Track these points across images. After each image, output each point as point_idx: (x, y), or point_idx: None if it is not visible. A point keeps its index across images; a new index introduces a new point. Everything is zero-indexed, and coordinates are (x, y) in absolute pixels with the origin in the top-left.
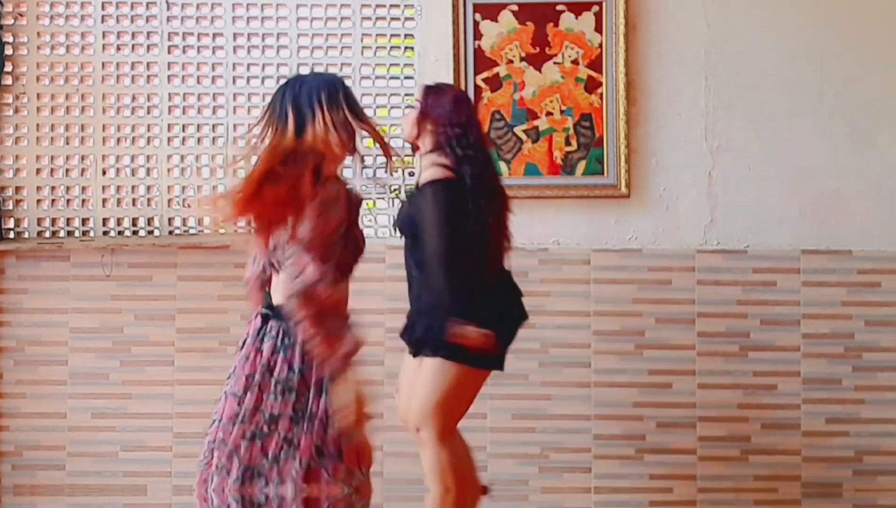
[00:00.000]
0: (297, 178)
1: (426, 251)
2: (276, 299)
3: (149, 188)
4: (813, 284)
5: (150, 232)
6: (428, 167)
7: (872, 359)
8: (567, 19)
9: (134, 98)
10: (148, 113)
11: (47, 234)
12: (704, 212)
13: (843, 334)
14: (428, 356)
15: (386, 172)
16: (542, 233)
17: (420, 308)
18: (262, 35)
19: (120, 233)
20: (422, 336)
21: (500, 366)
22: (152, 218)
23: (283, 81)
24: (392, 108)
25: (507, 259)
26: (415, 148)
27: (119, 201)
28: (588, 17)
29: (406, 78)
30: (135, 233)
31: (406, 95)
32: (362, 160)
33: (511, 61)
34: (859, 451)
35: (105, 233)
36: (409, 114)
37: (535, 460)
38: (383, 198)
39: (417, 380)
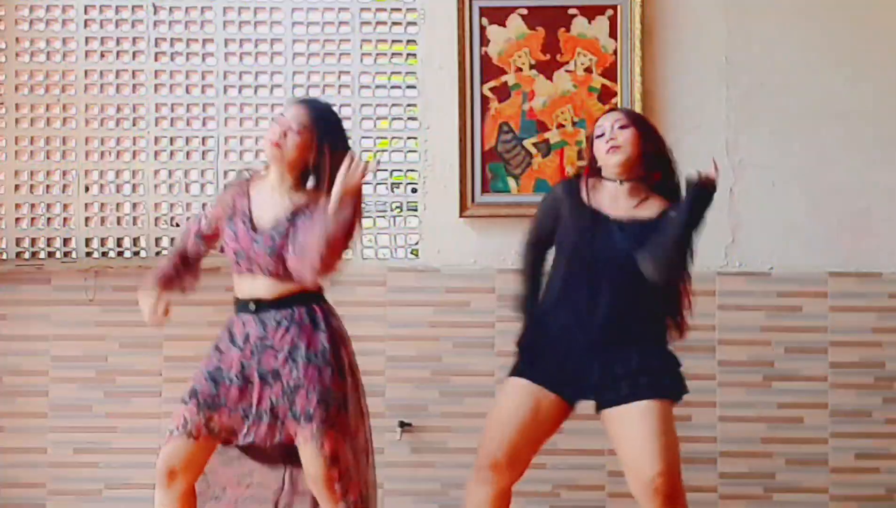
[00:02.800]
0: None
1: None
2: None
3: (135, 206)
4: (841, 309)
5: (137, 253)
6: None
7: None
8: (580, 24)
9: (119, 109)
10: (134, 125)
11: (27, 255)
12: (725, 231)
13: (873, 362)
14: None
15: None
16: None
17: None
18: (255, 41)
19: (104, 254)
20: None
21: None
22: (139, 238)
23: None
24: (393, 119)
25: None
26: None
27: (103, 220)
28: (602, 22)
29: (408, 87)
30: (120, 254)
31: (408, 105)
32: None
33: (520, 69)
34: (890, 489)
35: (88, 254)
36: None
37: (546, 498)
38: (383, 216)
39: (644, 433)
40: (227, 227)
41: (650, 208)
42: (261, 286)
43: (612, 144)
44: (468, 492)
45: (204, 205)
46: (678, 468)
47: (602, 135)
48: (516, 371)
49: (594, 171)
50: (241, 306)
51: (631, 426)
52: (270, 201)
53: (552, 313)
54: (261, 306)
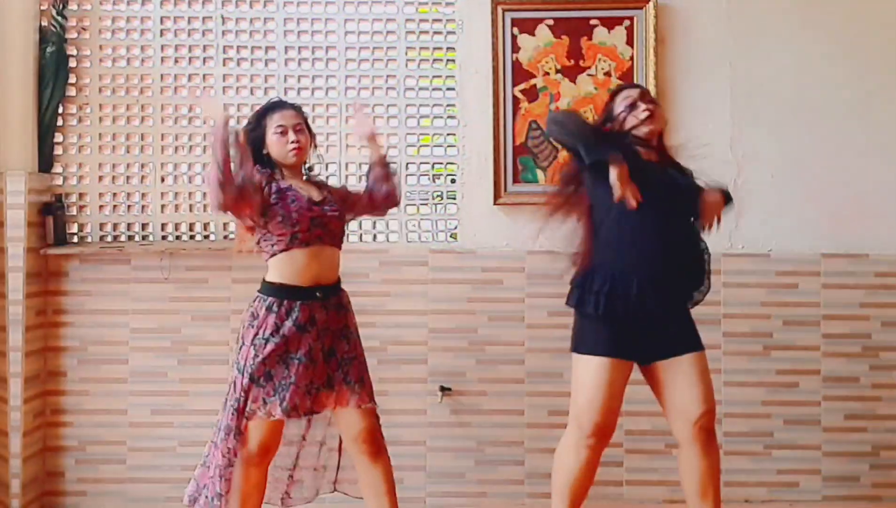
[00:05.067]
0: None
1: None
2: None
3: (204, 195)
4: (833, 286)
5: (206, 237)
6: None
7: (888, 358)
8: (600, 33)
9: (190, 108)
10: (204, 123)
11: (109, 238)
12: (730, 218)
13: (860, 334)
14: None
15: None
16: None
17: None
18: (312, 48)
19: (177, 238)
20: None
21: None
22: (208, 223)
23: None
24: (434, 117)
25: None
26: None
27: (177, 207)
28: (620, 32)
29: (448, 89)
30: (191, 238)
31: (448, 105)
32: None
33: (547, 73)
34: (876, 446)
35: (163, 238)
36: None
37: None
38: (426, 204)
39: (695, 379)
40: (284, 202)
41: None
42: (325, 268)
43: (649, 113)
44: (565, 458)
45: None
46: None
47: (633, 104)
48: (584, 347)
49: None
50: (305, 292)
51: (681, 375)
52: (306, 187)
53: (621, 269)
54: (326, 291)
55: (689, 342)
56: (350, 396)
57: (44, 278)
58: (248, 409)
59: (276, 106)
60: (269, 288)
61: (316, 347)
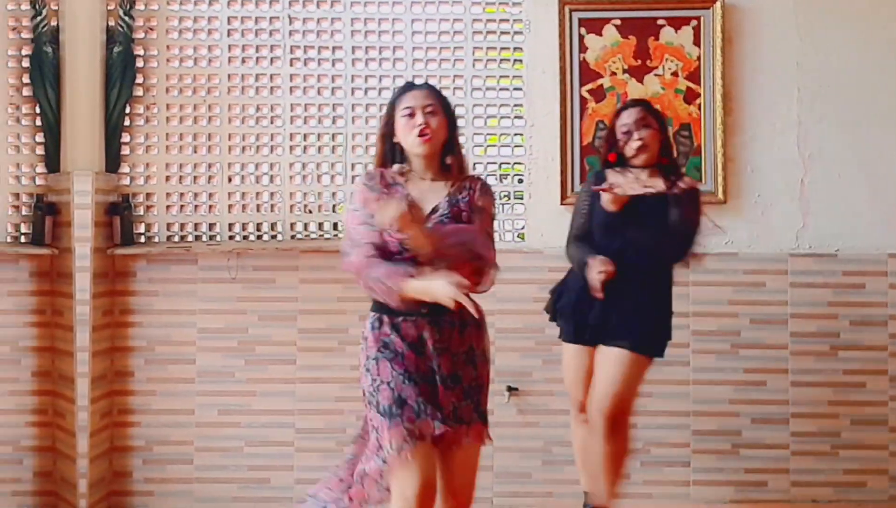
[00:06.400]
0: None
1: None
2: None
3: (272, 195)
4: None
5: (274, 237)
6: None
7: None
8: (667, 33)
9: (258, 108)
10: (271, 123)
11: (176, 238)
12: (797, 217)
13: None
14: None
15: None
16: None
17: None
18: (379, 49)
19: (245, 238)
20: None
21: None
22: (275, 223)
23: None
24: (502, 117)
25: None
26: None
27: (244, 207)
28: (687, 32)
29: (515, 89)
30: (259, 238)
31: (515, 105)
32: None
33: (614, 73)
34: None
35: (231, 237)
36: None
37: (636, 454)
38: None
39: (611, 371)
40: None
41: (658, 182)
42: None
43: (641, 145)
44: (572, 435)
45: (334, 194)
46: (624, 404)
47: (628, 133)
48: (561, 336)
49: (620, 160)
50: (408, 310)
51: (605, 363)
52: (429, 191)
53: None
54: (434, 306)
55: (626, 335)
56: (484, 431)
57: (111, 278)
58: (393, 450)
59: (406, 88)
60: (374, 304)
61: (429, 369)
